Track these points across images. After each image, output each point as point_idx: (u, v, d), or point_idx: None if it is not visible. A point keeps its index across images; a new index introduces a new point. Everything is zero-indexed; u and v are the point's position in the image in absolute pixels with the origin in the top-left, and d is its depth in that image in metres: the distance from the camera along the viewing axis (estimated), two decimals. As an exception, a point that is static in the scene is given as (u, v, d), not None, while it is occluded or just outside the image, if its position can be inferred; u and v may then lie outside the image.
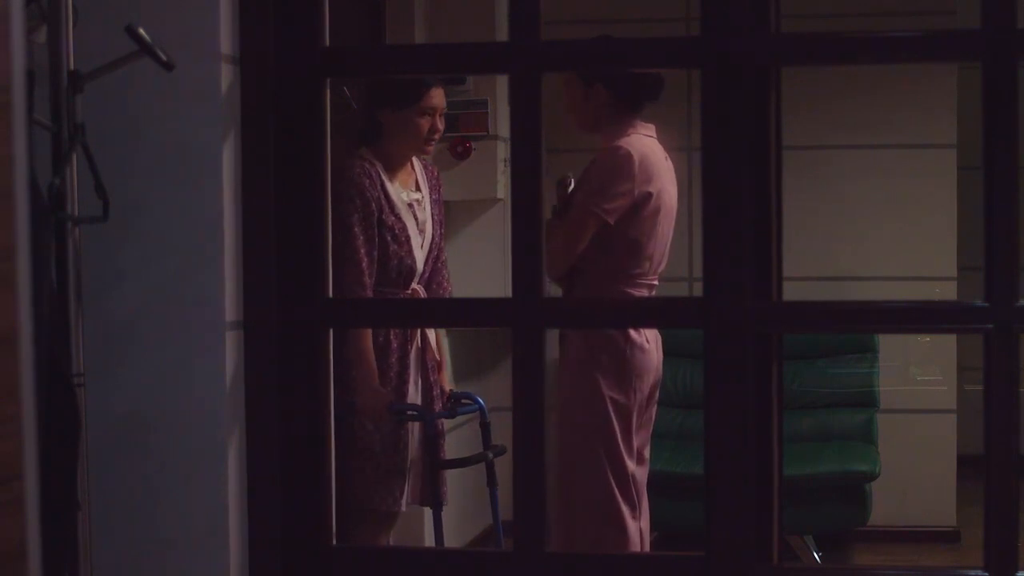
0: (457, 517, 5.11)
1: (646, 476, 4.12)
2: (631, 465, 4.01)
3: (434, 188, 4.09)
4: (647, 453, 4.12)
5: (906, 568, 4.93)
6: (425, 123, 3.93)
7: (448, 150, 5.16)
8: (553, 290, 4.03)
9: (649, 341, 4.05)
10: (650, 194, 3.96)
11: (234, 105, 2.35)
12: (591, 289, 3.98)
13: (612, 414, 3.97)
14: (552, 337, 4.06)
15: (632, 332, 3.99)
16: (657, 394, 4.12)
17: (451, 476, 4.14)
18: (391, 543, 4.06)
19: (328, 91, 2.39)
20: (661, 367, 4.11)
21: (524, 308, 2.30)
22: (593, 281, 3.99)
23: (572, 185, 4.09)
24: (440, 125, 3.98)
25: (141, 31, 2.18)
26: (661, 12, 5.99)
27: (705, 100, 2.26)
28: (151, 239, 2.36)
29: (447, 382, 4.17)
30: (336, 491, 2.46)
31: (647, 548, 4.17)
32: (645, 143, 4.00)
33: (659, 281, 4.16)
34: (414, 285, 3.98)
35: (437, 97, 3.95)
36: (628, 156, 3.93)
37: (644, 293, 4.03)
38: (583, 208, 3.94)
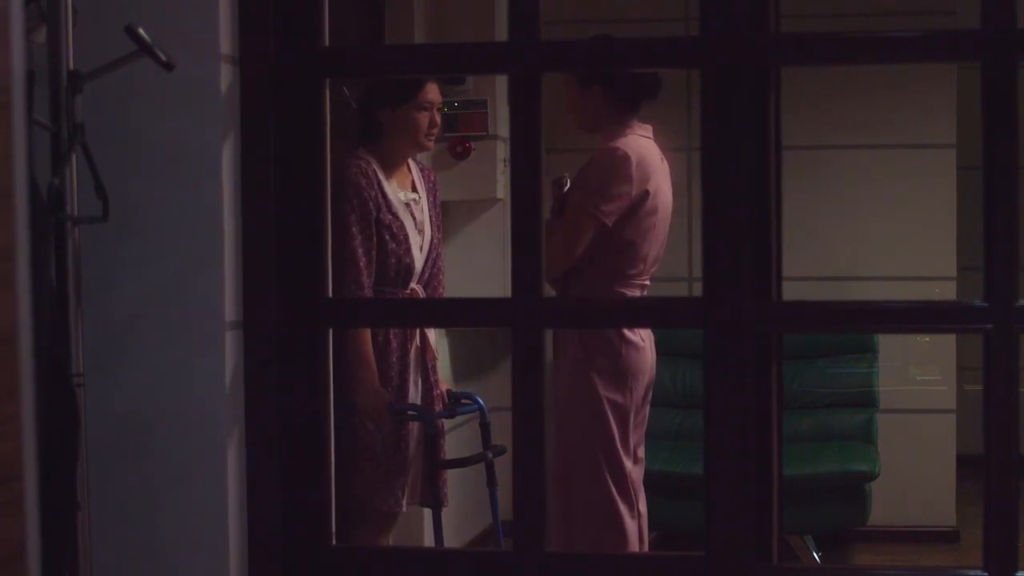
0: (457, 517, 5.11)
1: (642, 475, 4.12)
2: (628, 465, 4.02)
3: (431, 191, 4.10)
4: (642, 452, 4.12)
5: (906, 568, 4.93)
6: (423, 118, 3.94)
7: (448, 150, 5.16)
8: (550, 290, 4.04)
9: (644, 340, 4.05)
10: (647, 194, 3.97)
11: (234, 105, 2.35)
12: (587, 289, 3.98)
13: (609, 414, 3.97)
14: (547, 338, 4.06)
15: (627, 331, 3.99)
16: (651, 393, 4.13)
17: (451, 476, 4.15)
18: (391, 543, 4.06)
19: (328, 91, 2.39)
20: (655, 366, 4.11)
21: (523, 308, 2.30)
22: (588, 281, 3.99)
23: (568, 185, 4.09)
24: (438, 119, 3.99)
25: (141, 31, 2.18)
26: (661, 12, 6.00)
27: (705, 100, 2.26)
28: (151, 239, 2.36)
29: (443, 381, 4.18)
30: (336, 491, 2.46)
31: (645, 548, 4.17)
32: (642, 144, 4.01)
33: (660, 281, 4.16)
34: (413, 285, 3.98)
35: (432, 92, 3.96)
36: (626, 157, 3.93)
37: (637, 293, 4.03)
38: (581, 210, 3.94)
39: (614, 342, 3.97)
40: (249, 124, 2.36)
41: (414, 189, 4.04)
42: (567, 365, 4.01)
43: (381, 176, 3.93)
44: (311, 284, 2.37)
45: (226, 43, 2.33)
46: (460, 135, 5.16)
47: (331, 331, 2.44)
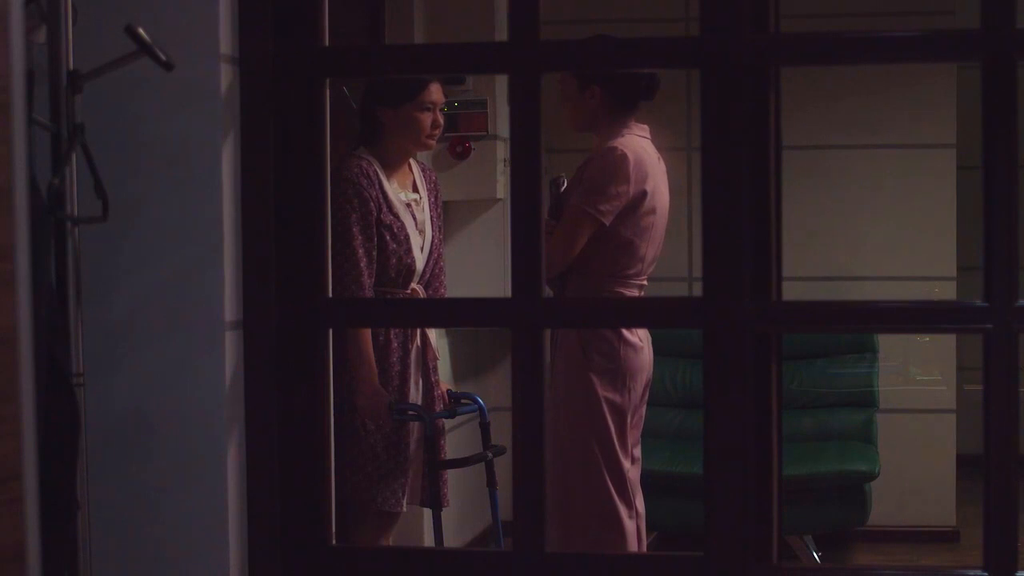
0: (457, 517, 5.11)
1: (639, 476, 4.12)
2: (626, 465, 4.02)
3: (431, 191, 4.09)
4: (638, 452, 4.13)
5: (906, 568, 4.93)
6: (426, 118, 3.94)
7: (448, 150, 5.16)
8: (549, 291, 4.04)
9: (642, 340, 4.05)
10: (645, 194, 3.97)
11: (234, 105, 2.35)
12: (585, 289, 3.98)
13: (607, 415, 3.97)
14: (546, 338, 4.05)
15: (625, 331, 3.99)
16: (647, 393, 4.13)
17: (451, 476, 4.15)
18: (391, 543, 4.06)
19: (328, 91, 2.39)
20: (652, 365, 4.12)
21: (523, 308, 2.30)
22: (587, 281, 3.99)
23: (565, 185, 4.09)
24: (440, 120, 3.99)
25: (141, 31, 2.18)
26: (661, 12, 6.00)
27: (704, 100, 2.26)
28: (151, 239, 2.36)
29: (443, 381, 4.18)
30: (336, 491, 2.46)
31: (643, 547, 4.17)
32: (639, 144, 4.01)
33: (660, 281, 4.16)
34: (414, 285, 3.98)
35: (436, 92, 3.96)
36: (624, 157, 3.93)
37: (635, 293, 4.03)
38: (578, 209, 3.93)
39: (612, 342, 3.97)
40: (249, 124, 2.36)
41: (415, 189, 4.04)
42: (565, 365, 4.01)
43: (382, 176, 3.93)
44: (311, 284, 2.37)
45: (226, 43, 2.33)
46: (460, 135, 5.16)
47: (331, 331, 2.44)
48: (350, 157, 3.94)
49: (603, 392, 3.96)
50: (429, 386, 4.03)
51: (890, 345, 5.98)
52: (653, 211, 4.01)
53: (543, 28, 2.28)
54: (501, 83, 5.15)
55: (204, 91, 2.32)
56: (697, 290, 2.33)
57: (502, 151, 5.22)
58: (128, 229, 2.34)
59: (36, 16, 2.18)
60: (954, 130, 5.98)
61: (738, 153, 2.26)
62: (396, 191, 3.96)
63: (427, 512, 4.33)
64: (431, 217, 4.05)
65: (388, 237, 3.90)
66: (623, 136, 3.99)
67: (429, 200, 4.06)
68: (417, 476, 3.99)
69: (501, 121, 5.17)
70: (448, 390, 4.17)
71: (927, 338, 6.07)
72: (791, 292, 2.53)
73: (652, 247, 4.05)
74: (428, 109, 3.94)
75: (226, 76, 2.33)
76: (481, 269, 5.31)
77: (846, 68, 5.84)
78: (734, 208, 2.26)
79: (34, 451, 1.78)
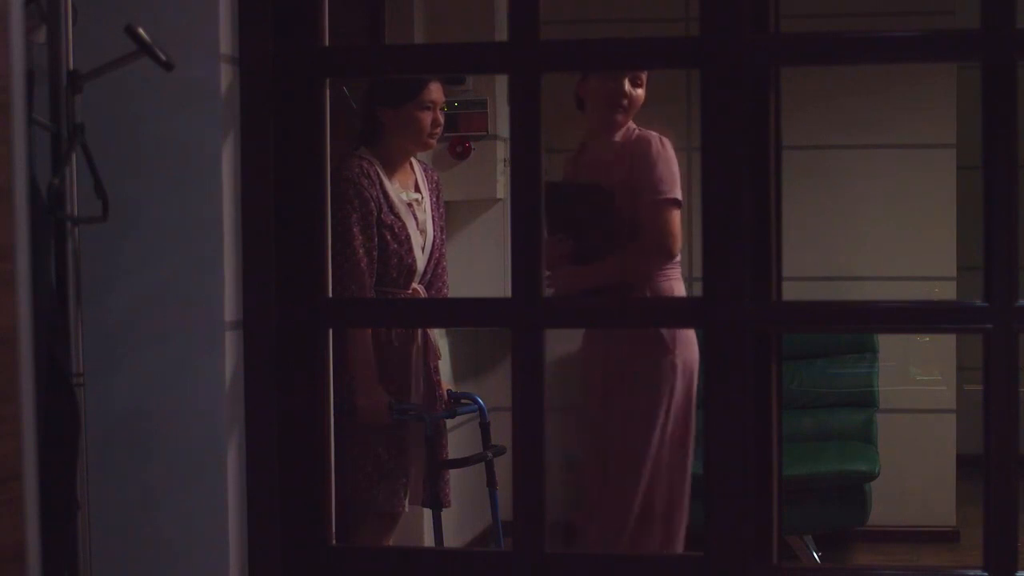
0: (457, 517, 5.11)
1: None
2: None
3: (433, 191, 4.09)
4: None
5: (906, 568, 4.93)
6: (426, 117, 3.94)
7: (448, 150, 5.16)
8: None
9: None
10: None
11: (234, 105, 2.35)
12: (640, 278, 4.03)
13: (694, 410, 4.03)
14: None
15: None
16: None
17: (451, 476, 4.15)
18: (391, 543, 4.06)
19: (328, 91, 2.39)
20: None
21: (523, 308, 2.30)
22: (640, 267, 4.05)
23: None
24: (441, 119, 3.99)
25: (141, 31, 2.18)
26: (661, 12, 6.00)
27: (704, 100, 2.26)
28: (151, 239, 2.36)
29: (443, 381, 4.18)
30: (336, 491, 2.46)
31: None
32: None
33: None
34: (415, 285, 3.98)
35: (436, 91, 3.95)
36: (663, 141, 4.04)
37: (680, 281, 4.10)
38: (667, 201, 3.99)
39: (693, 340, 4.02)
40: (249, 124, 2.36)
41: (416, 189, 4.04)
42: (650, 362, 4.00)
43: (383, 176, 3.93)
44: (311, 284, 2.37)
45: (226, 43, 2.33)
46: (460, 135, 5.16)
47: (331, 331, 2.44)
48: (350, 157, 3.94)
49: (691, 386, 4.02)
50: (430, 386, 4.03)
51: (890, 345, 5.97)
52: None
53: (543, 28, 2.28)
54: (501, 83, 5.15)
55: (204, 91, 2.32)
56: (697, 290, 2.33)
57: (502, 151, 5.21)
58: (128, 229, 2.34)
59: (36, 16, 2.18)
60: (954, 130, 5.98)
61: (738, 153, 2.26)
62: (397, 191, 3.96)
63: (427, 512, 4.33)
64: (432, 217, 4.05)
65: (389, 237, 3.89)
66: (633, 126, 4.11)
67: (431, 200, 4.06)
68: (418, 476, 3.98)
69: (501, 121, 5.17)
70: (448, 390, 4.17)
71: (927, 338, 6.07)
72: (791, 292, 2.53)
73: None
74: (428, 108, 3.94)
75: (226, 76, 2.33)
76: (481, 269, 5.31)
77: (846, 68, 5.84)
78: (734, 208, 2.26)
79: (34, 451, 1.79)
